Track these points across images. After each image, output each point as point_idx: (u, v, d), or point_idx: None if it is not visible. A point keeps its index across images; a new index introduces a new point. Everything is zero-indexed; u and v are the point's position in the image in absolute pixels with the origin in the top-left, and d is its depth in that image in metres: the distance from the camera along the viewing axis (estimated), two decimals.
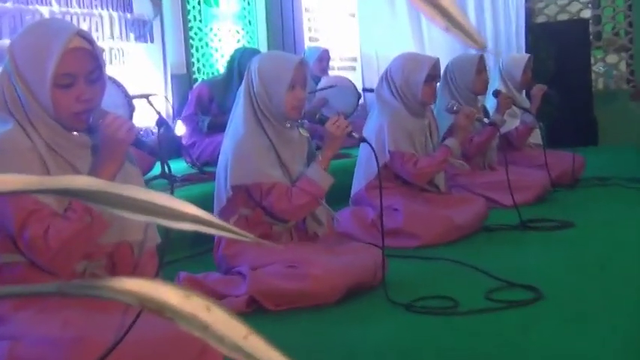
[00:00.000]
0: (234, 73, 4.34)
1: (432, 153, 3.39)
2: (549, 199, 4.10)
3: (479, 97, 4.23)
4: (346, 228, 3.23)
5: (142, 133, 4.48)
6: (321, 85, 5.23)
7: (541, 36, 6.87)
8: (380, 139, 3.27)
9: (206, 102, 4.48)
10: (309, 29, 6.51)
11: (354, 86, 5.34)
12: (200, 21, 5.40)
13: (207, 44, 5.45)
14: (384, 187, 3.21)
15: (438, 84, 3.51)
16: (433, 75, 3.36)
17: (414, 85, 3.34)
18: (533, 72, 4.86)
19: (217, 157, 2.58)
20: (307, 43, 6.37)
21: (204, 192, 3.21)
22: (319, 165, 2.48)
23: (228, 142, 2.49)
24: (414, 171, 3.29)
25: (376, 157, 2.56)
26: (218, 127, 4.27)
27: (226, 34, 5.63)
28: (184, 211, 0.49)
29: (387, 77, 3.42)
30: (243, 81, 2.52)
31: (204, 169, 3.92)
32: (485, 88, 4.19)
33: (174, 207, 0.49)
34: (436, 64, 3.37)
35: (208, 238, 2.66)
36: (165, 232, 1.76)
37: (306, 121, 2.60)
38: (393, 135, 3.28)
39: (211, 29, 5.49)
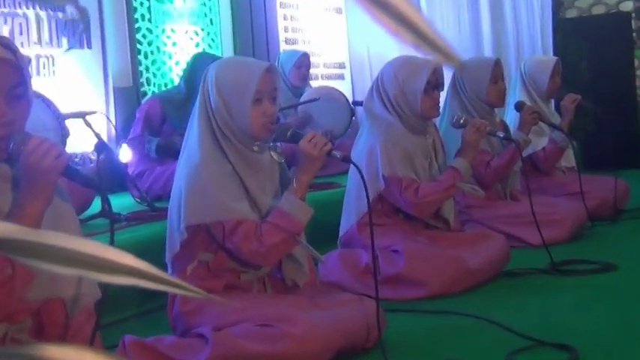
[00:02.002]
0: (192, 85, 4.36)
1: (437, 177, 3.42)
2: (586, 235, 4.13)
3: (495, 110, 4.28)
4: (334, 275, 3.23)
5: (77, 160, 4.48)
6: (303, 98, 5.26)
7: (572, 34, 6.97)
8: (372, 162, 3.29)
9: (157, 121, 4.49)
10: (286, 29, 6.57)
11: (346, 98, 5.37)
12: (149, 20, 5.44)
13: (158, 49, 5.48)
14: (381, 225, 3.25)
15: (442, 93, 3.54)
16: (434, 82, 3.41)
17: (412, 95, 3.38)
18: (562, 78, 4.92)
19: (171, 190, 2.58)
20: (283, 47, 6.42)
21: (156, 234, 3.20)
22: (294, 193, 2.49)
23: (181, 170, 2.49)
24: (415, 200, 3.31)
25: (364, 183, 2.55)
26: (170, 151, 4.29)
27: (182, 37, 5.67)
28: (121, 262, 0.51)
29: (377, 87, 3.46)
30: (199, 95, 2.53)
31: (156, 204, 3.92)
32: (503, 99, 4.24)
33: (108, 257, 0.51)
34: (437, 68, 3.42)
35: (161, 293, 2.66)
36: (104, 285, 1.77)
37: (279, 143, 2.62)
38: (388, 157, 3.32)
39: (163, 30, 5.53)
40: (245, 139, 2.49)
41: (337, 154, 2.52)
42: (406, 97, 3.39)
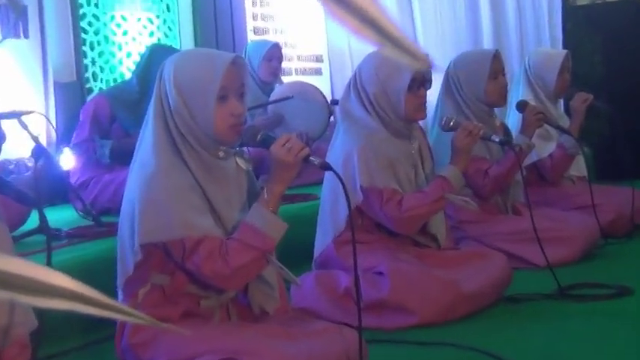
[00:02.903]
0: (146, 81, 4.35)
1: (424, 188, 3.43)
2: (599, 254, 4.16)
3: (496, 111, 4.30)
4: (309, 301, 3.24)
5: (11, 167, 4.46)
6: (274, 95, 5.27)
7: (584, 23, 7.00)
8: (348, 172, 3.28)
9: (105, 122, 4.48)
10: (255, 16, 6.58)
11: (324, 97, 5.38)
12: (96, 6, 5.43)
13: (106, 39, 5.48)
14: (362, 242, 3.24)
15: (430, 91, 3.54)
16: (421, 79, 3.41)
17: (394, 94, 3.38)
18: (573, 75, 4.95)
19: (120, 202, 2.58)
20: (251, 37, 6.43)
21: (103, 253, 3.20)
22: (265, 206, 2.49)
23: (134, 180, 2.49)
24: (398, 214, 3.31)
25: (346, 193, 2.56)
26: (126, 155, 4.28)
27: (134, 25, 5.67)
28: (57, 284, 0.51)
29: (355, 84, 3.46)
30: (154, 93, 2.53)
31: (103, 219, 3.91)
32: (504, 97, 4.26)
33: (42, 279, 0.51)
34: None
35: (107, 321, 2.65)
36: (41, 313, 1.77)
37: (246, 148, 2.62)
38: (367, 165, 3.31)
39: (112, 18, 5.53)
40: (208, 143, 2.49)
41: (315, 160, 2.52)
42: (388, 97, 3.39)
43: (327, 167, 2.60)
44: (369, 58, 3.49)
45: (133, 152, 2.59)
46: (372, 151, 3.34)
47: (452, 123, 3.57)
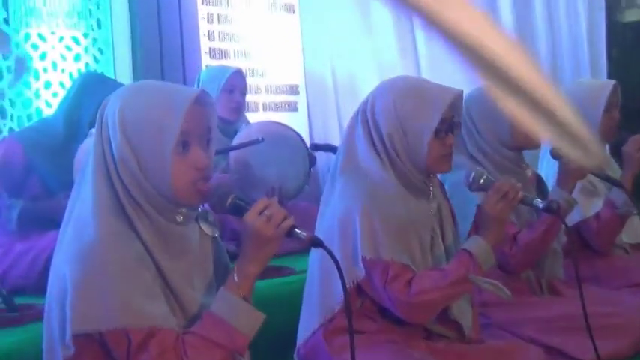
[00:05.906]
0: (76, 121, 4.35)
1: (443, 265, 3.38)
2: None
3: (524, 158, 4.31)
4: None
5: None
6: (239, 139, 5.25)
7: (635, 45, 7.06)
8: (347, 237, 3.24)
9: (18, 175, 4.46)
10: (211, 35, 6.58)
11: (302, 141, 5.35)
12: (6, 21, 5.44)
13: None
14: (360, 332, 3.23)
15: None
16: (450, 121, 3.36)
17: (416, 137, 3.31)
18: (623, 112, 4.98)
19: (38, 277, 2.57)
20: (207, 61, 6.42)
21: (16, 345, 3.17)
22: (234, 291, 2.50)
23: (65, 252, 2.48)
24: (407, 298, 3.24)
25: (341, 275, 2.56)
26: (39, 223, 4.26)
27: (56, 47, 5.68)
28: None
29: (365, 117, 3.39)
30: (95, 139, 2.54)
31: (16, 300, 3.90)
32: (535, 140, 4.24)
33: None
34: (457, 98, 3.37)
35: None
36: None
37: (208, 208, 2.63)
38: (371, 230, 3.25)
39: (27, 37, 5.54)
40: (163, 204, 2.50)
41: (302, 233, 2.53)
42: (407, 140, 3.32)
43: (317, 243, 2.60)
44: (388, 87, 3.44)
45: (47, 219, 2.58)
46: (379, 211, 3.25)
47: (482, 180, 3.48)
